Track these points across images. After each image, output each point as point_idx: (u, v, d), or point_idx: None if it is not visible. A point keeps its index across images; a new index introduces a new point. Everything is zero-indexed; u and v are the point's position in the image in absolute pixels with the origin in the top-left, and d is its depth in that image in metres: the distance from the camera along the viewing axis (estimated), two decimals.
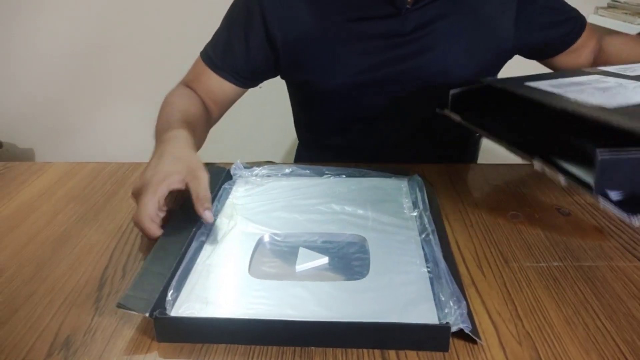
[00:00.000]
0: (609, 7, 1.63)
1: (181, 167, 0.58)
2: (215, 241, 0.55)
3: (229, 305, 0.45)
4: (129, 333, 0.44)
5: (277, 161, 0.79)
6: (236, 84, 0.82)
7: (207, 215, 0.55)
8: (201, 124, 0.77)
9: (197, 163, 0.59)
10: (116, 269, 0.53)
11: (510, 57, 0.87)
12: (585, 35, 0.85)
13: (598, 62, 0.87)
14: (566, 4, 0.86)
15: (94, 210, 0.66)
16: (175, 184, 0.57)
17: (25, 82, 1.85)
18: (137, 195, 0.57)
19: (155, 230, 0.55)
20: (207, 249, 0.54)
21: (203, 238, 0.55)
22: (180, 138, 0.64)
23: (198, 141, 0.73)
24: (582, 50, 0.87)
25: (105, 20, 1.75)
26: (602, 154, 0.46)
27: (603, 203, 0.48)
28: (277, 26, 0.77)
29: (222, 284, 0.48)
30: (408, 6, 0.75)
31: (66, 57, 1.81)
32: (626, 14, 1.53)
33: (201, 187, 0.56)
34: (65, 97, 1.88)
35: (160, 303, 0.44)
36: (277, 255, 0.53)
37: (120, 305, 0.43)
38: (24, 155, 1.94)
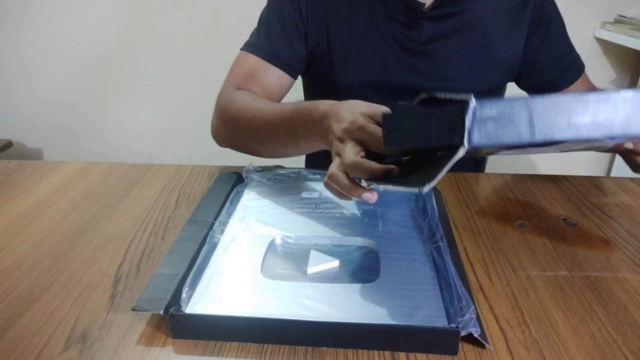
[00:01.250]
0: (616, 22, 1.64)
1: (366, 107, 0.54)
2: (228, 242, 0.56)
3: (242, 305, 0.46)
4: (144, 329, 0.45)
5: (286, 166, 0.80)
6: (291, 74, 0.81)
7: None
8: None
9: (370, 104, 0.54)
10: (131, 266, 0.54)
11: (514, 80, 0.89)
12: (579, 82, 0.87)
13: None
14: (572, 47, 0.86)
15: (109, 208, 0.67)
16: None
17: (36, 83, 1.87)
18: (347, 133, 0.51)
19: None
20: (220, 249, 0.55)
21: (215, 240, 0.56)
22: (316, 102, 0.59)
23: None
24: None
25: (116, 22, 1.77)
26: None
27: (384, 186, 0.45)
28: (307, 17, 0.79)
29: (236, 284, 0.49)
30: (424, 10, 0.77)
31: (77, 59, 1.83)
32: (633, 29, 1.54)
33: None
34: (75, 98, 1.89)
35: (175, 300, 0.45)
36: (289, 257, 0.54)
37: (135, 309, 0.44)
38: (33, 155, 1.96)
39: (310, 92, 0.95)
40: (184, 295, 0.45)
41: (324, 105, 0.57)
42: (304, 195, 0.67)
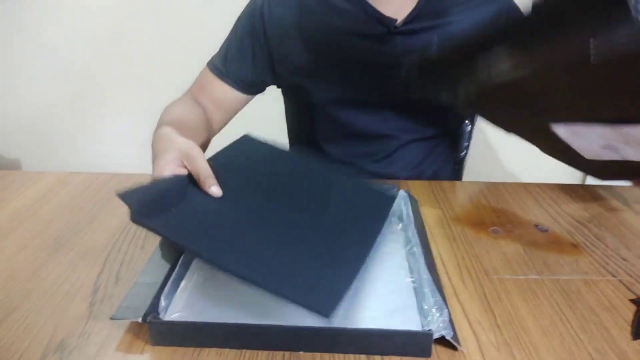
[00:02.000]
0: None
1: (173, 152, 0.57)
2: None
3: (220, 311, 0.47)
4: (123, 336, 0.46)
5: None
6: (242, 91, 0.86)
7: (214, 190, 0.55)
8: (196, 127, 0.78)
9: (186, 143, 0.58)
10: (110, 275, 0.55)
11: None
12: None
13: None
14: None
15: (88, 218, 0.67)
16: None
17: (14, 93, 1.85)
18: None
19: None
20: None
21: None
22: (163, 133, 0.64)
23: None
24: None
25: (95, 32, 1.76)
26: None
27: None
28: (275, 33, 0.82)
29: (214, 291, 0.50)
30: (397, 25, 0.79)
31: (55, 68, 1.81)
32: None
33: (199, 165, 0.56)
34: (54, 108, 1.88)
35: (154, 308, 0.46)
36: None
37: (114, 318, 0.45)
38: (11, 166, 1.93)
39: (287, 107, 0.97)
40: (162, 302, 0.46)
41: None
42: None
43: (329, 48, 0.81)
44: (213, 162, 0.62)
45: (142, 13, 1.73)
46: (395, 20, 0.78)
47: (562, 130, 0.61)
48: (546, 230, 0.66)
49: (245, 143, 0.69)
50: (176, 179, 0.55)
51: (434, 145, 0.91)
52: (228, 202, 0.55)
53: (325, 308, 0.41)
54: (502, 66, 0.55)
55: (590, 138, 0.60)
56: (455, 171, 1.13)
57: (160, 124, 0.71)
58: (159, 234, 0.47)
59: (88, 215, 0.68)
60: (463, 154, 1.16)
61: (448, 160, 1.00)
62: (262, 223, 0.53)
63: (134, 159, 1.86)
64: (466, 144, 1.16)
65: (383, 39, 0.80)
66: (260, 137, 0.70)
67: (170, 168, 0.55)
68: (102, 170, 0.83)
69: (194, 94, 0.88)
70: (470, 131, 1.14)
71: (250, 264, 0.45)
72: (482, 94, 0.64)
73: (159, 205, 0.50)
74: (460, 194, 0.78)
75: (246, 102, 0.89)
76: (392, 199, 0.66)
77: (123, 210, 0.69)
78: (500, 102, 0.65)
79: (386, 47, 0.80)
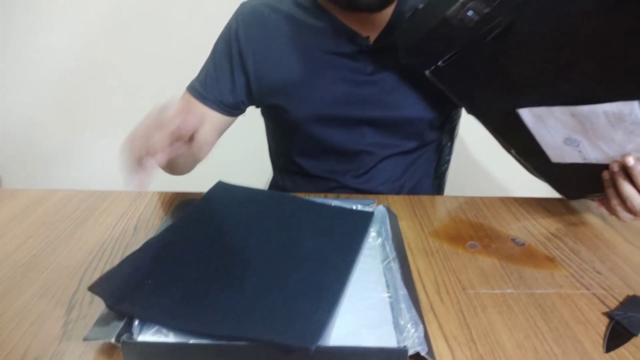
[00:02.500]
0: None
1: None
2: None
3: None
4: (95, 357, 0.45)
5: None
6: (223, 113, 0.86)
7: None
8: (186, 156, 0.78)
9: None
10: (85, 294, 0.54)
11: None
12: None
13: None
14: None
15: (65, 236, 0.67)
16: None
17: None
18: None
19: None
20: None
21: None
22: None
23: (180, 163, 0.76)
24: None
25: (78, 47, 1.76)
26: None
27: None
28: (251, 54, 0.82)
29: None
30: (369, 44, 0.80)
31: (35, 86, 1.80)
32: None
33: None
34: (36, 123, 1.86)
35: (128, 328, 0.45)
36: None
37: (87, 338, 0.44)
38: None
39: (267, 126, 0.98)
40: (136, 322, 0.45)
41: None
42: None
43: (304, 67, 0.81)
44: (190, 213, 0.64)
45: (130, 28, 1.73)
46: (367, 37, 0.80)
47: (527, 116, 0.64)
48: (523, 244, 0.67)
49: (219, 189, 0.72)
50: (146, 246, 0.56)
51: (414, 159, 0.92)
52: (203, 256, 0.56)
53: (308, 341, 0.42)
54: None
55: (553, 128, 0.63)
56: (437, 185, 1.14)
57: None
58: (137, 317, 0.47)
59: (65, 233, 0.68)
60: (444, 167, 1.17)
61: (429, 173, 1.01)
62: (239, 271, 0.53)
63: (117, 174, 1.86)
64: (447, 157, 1.17)
65: (356, 57, 0.81)
66: (232, 182, 0.73)
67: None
68: (86, 186, 0.83)
69: None
70: (451, 145, 1.15)
71: (230, 320, 0.46)
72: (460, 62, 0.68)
73: (133, 284, 0.50)
74: (439, 208, 0.78)
75: (228, 125, 0.89)
76: (370, 215, 0.67)
77: (101, 227, 0.69)
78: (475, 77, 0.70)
79: (359, 65, 0.81)
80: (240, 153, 1.72)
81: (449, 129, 1.11)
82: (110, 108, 1.84)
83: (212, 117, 0.85)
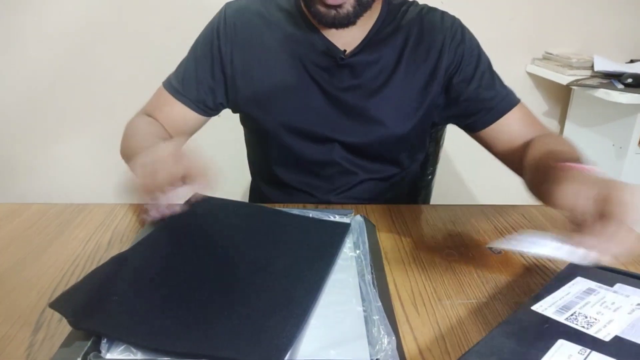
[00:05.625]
0: (544, 58, 1.76)
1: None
2: None
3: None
4: None
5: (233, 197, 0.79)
6: (198, 112, 0.85)
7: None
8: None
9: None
10: (53, 313, 0.53)
11: (445, 121, 0.91)
12: (513, 114, 0.82)
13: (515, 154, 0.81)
14: (499, 84, 0.84)
15: (36, 252, 0.65)
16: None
17: None
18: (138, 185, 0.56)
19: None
20: None
21: None
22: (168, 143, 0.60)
23: None
24: (506, 130, 0.83)
25: (55, 58, 1.74)
26: None
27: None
28: (230, 55, 0.82)
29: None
30: (343, 56, 0.79)
31: (6, 97, 1.78)
32: (558, 65, 1.66)
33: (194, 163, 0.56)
34: (12, 135, 1.83)
35: (95, 346, 0.44)
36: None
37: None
38: None
39: (245, 133, 0.97)
40: (103, 341, 0.44)
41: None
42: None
43: (279, 76, 0.81)
44: (162, 226, 0.63)
45: (105, 36, 1.72)
46: (344, 51, 0.79)
47: None
48: (500, 253, 0.67)
49: (197, 202, 0.68)
50: (112, 261, 0.55)
51: (397, 181, 0.91)
52: (171, 271, 0.55)
53: (273, 356, 0.42)
54: None
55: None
56: (423, 195, 1.14)
57: (145, 139, 0.73)
58: (103, 335, 0.45)
59: (37, 248, 0.66)
60: (429, 177, 1.17)
61: (413, 186, 1.00)
62: (206, 287, 0.52)
63: (95, 187, 1.84)
64: (431, 168, 1.17)
65: (332, 71, 0.80)
66: (208, 195, 0.70)
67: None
68: (63, 198, 0.81)
69: (150, 112, 0.86)
70: (437, 154, 1.15)
71: (195, 337, 0.45)
72: None
73: (97, 300, 0.49)
74: (417, 218, 0.78)
75: (202, 124, 0.89)
76: (346, 227, 0.66)
77: (74, 242, 0.68)
78: None
79: (334, 80, 0.81)
80: (221, 159, 1.72)
81: (433, 138, 1.11)
82: (84, 118, 1.82)
83: (186, 116, 0.85)
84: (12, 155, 1.86)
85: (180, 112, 0.85)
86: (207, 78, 0.84)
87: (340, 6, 0.72)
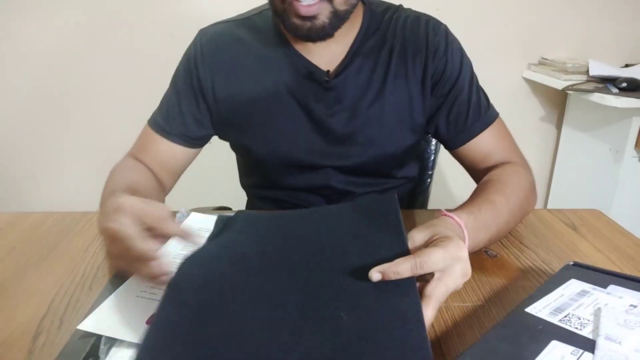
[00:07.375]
0: (540, 64, 1.78)
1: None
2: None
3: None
4: None
5: (229, 203, 0.80)
6: (188, 146, 0.82)
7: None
8: (151, 193, 0.73)
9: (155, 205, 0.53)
10: (53, 319, 0.53)
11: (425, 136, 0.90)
12: (489, 133, 0.80)
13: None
14: (476, 100, 0.81)
15: (36, 260, 0.66)
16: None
17: None
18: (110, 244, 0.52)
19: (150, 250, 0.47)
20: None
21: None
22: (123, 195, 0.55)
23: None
24: (471, 152, 0.82)
25: (54, 68, 1.75)
26: None
27: None
28: (210, 84, 0.80)
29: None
30: (327, 78, 0.77)
31: (3, 107, 1.79)
32: (554, 70, 1.67)
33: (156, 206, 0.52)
34: (12, 145, 1.84)
35: (94, 352, 0.45)
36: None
37: None
38: None
39: (236, 156, 0.95)
40: (102, 346, 0.45)
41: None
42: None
43: (263, 105, 0.79)
44: (210, 245, 0.56)
45: (105, 47, 1.74)
46: (327, 72, 0.77)
47: None
48: (495, 256, 0.68)
49: (238, 220, 0.62)
50: (177, 304, 0.46)
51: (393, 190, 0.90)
52: (247, 308, 0.46)
53: None
54: None
55: None
56: (420, 200, 1.14)
57: (113, 191, 0.62)
58: None
59: (36, 257, 0.67)
60: (427, 183, 1.17)
61: (411, 192, 1.00)
62: (295, 316, 0.46)
63: (95, 196, 1.84)
64: (429, 173, 1.17)
65: (317, 96, 0.78)
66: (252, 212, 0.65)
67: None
68: (65, 208, 0.82)
69: (137, 155, 0.82)
70: (434, 159, 1.16)
71: None
72: None
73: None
74: (414, 222, 0.79)
75: (193, 157, 0.86)
76: (393, 200, 0.62)
77: (74, 250, 0.68)
78: None
79: (319, 105, 0.78)
80: (217, 165, 1.73)
81: (430, 144, 1.11)
82: (79, 129, 1.83)
83: (174, 152, 0.82)
84: (12, 165, 1.87)
85: (168, 150, 0.81)
86: (192, 109, 0.81)
87: (315, 17, 0.69)
